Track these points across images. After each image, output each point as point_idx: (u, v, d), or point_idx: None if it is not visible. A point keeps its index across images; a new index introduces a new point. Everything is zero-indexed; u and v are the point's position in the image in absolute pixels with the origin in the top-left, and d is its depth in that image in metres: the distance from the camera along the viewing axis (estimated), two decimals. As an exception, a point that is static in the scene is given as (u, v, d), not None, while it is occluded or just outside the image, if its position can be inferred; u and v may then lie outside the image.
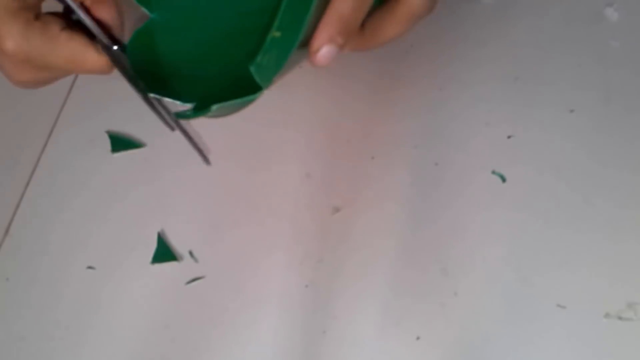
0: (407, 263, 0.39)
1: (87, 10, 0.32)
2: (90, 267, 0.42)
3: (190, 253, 0.41)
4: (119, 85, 0.48)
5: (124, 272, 0.41)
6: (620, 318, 0.36)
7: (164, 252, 0.42)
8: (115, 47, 0.33)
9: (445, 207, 0.41)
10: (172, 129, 0.35)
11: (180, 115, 0.33)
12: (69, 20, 0.33)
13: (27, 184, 0.45)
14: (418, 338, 0.37)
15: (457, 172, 0.42)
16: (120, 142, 0.46)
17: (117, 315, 0.40)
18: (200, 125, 0.46)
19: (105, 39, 0.33)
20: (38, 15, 0.32)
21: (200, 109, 0.31)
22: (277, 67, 0.29)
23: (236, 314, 0.39)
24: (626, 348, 0.35)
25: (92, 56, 0.32)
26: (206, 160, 0.36)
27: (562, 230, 0.39)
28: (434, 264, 0.39)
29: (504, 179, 0.42)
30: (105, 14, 0.33)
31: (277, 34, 0.28)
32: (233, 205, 0.43)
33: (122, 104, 0.47)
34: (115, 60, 0.33)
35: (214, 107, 0.29)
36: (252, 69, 0.27)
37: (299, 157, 0.44)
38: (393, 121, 0.45)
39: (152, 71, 0.34)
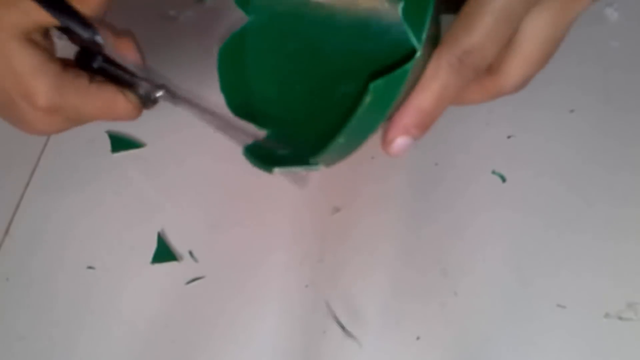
0: (407, 263, 0.39)
1: (107, 57, 0.32)
2: (90, 267, 0.42)
3: (190, 253, 0.41)
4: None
5: (124, 272, 0.41)
6: (620, 318, 0.36)
7: (164, 252, 0.42)
8: (159, 94, 0.33)
9: (445, 208, 0.41)
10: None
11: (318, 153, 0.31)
12: (88, 68, 0.32)
13: (27, 184, 0.45)
14: (418, 338, 0.37)
15: (457, 172, 0.42)
16: (120, 142, 0.46)
17: (117, 316, 0.40)
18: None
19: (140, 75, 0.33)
20: (65, 67, 0.32)
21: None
22: (339, 158, 0.30)
23: (236, 314, 0.39)
24: (626, 348, 0.35)
25: (123, 104, 0.32)
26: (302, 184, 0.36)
27: (562, 230, 0.39)
28: (434, 264, 0.39)
29: (504, 179, 0.42)
30: (130, 54, 0.33)
31: (342, 140, 0.27)
32: (233, 205, 0.43)
33: (122, 104, 0.47)
34: (148, 97, 0.33)
35: (370, 86, 0.26)
36: (312, 161, 0.27)
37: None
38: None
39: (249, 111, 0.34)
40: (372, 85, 0.25)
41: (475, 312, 0.37)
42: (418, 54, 0.25)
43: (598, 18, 0.47)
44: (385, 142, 0.29)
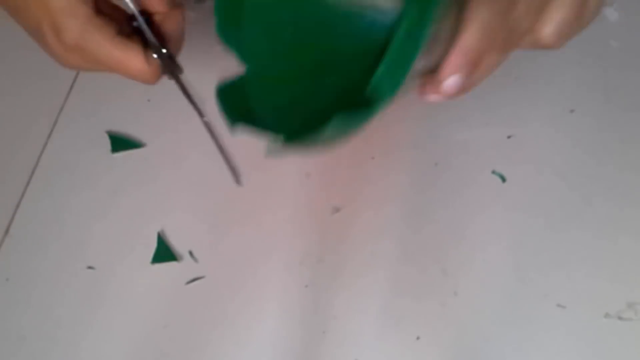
0: (407, 263, 0.39)
1: (151, 21, 0.34)
2: (90, 267, 0.42)
3: (190, 253, 0.41)
4: (119, 86, 0.48)
5: (124, 272, 0.41)
6: (620, 318, 0.36)
7: (164, 252, 0.42)
8: (164, 50, 0.34)
9: (445, 207, 0.41)
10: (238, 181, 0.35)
11: (274, 150, 0.31)
12: (129, 25, 0.34)
13: (27, 184, 0.45)
14: (418, 338, 0.37)
15: (457, 172, 0.42)
16: (120, 142, 0.46)
17: (117, 315, 0.40)
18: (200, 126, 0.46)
19: (161, 50, 0.34)
20: (98, 12, 0.33)
21: (304, 130, 0.28)
22: (397, 85, 0.27)
23: (236, 314, 0.39)
24: (626, 348, 0.35)
25: (139, 64, 0.33)
26: (238, 180, 0.36)
27: (562, 230, 0.39)
28: (434, 264, 0.39)
29: (504, 179, 0.42)
30: (171, 26, 0.34)
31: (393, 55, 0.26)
32: (233, 205, 0.43)
33: (122, 104, 0.47)
34: (171, 72, 0.34)
35: (330, 126, 0.26)
36: (375, 81, 0.26)
37: (299, 158, 0.44)
38: (393, 121, 0.45)
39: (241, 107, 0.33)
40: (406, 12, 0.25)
41: (475, 312, 0.37)
42: None
43: (598, 18, 0.47)
44: (436, 84, 0.29)
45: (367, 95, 0.26)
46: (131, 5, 0.33)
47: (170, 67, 0.35)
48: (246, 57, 0.34)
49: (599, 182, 0.40)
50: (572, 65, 0.45)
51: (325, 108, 0.31)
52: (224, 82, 0.33)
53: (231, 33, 0.33)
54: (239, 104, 0.33)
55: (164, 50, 0.34)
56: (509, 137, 0.43)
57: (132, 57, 0.34)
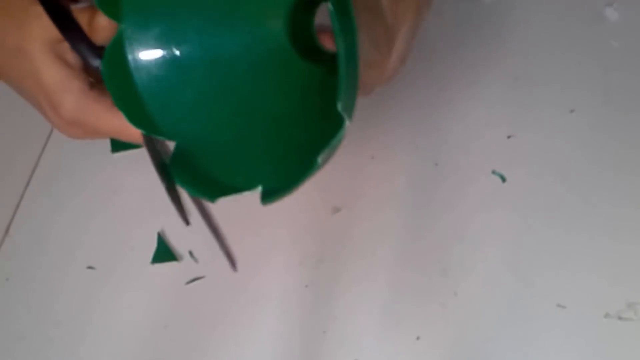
0: (407, 263, 0.39)
1: None
2: (90, 267, 0.42)
3: (190, 253, 0.41)
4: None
5: (124, 272, 0.41)
6: (620, 318, 0.36)
7: (164, 252, 0.42)
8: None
9: (445, 208, 0.41)
10: (188, 223, 0.35)
11: (269, 197, 0.31)
12: None
13: (27, 184, 0.45)
14: (418, 338, 0.37)
15: (457, 172, 0.42)
16: (120, 142, 0.46)
17: (117, 315, 0.40)
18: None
19: None
20: (92, 85, 0.33)
21: (292, 177, 0.30)
22: (353, 98, 0.29)
23: (236, 314, 0.39)
24: (626, 348, 0.35)
25: (139, 131, 0.34)
26: (233, 266, 0.36)
27: (562, 230, 0.39)
28: (434, 264, 0.39)
29: (504, 179, 0.42)
30: None
31: (341, 46, 0.27)
32: (233, 205, 0.43)
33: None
34: (149, 143, 0.34)
35: (319, 159, 0.28)
36: (339, 108, 0.27)
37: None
38: (393, 121, 0.45)
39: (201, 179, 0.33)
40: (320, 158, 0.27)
41: (475, 312, 0.37)
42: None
43: (598, 18, 0.47)
44: None
45: (335, 121, 0.27)
46: None
47: (150, 140, 0.34)
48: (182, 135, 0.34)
49: (599, 182, 0.40)
50: (572, 65, 0.45)
51: (283, 152, 0.32)
52: (176, 166, 0.33)
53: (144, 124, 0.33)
54: (202, 180, 0.33)
55: None
56: (509, 137, 0.43)
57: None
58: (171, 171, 0.33)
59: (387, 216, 0.41)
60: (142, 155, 0.45)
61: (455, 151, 0.43)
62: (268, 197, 0.30)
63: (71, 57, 0.33)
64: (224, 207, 0.43)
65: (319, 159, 0.27)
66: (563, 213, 0.40)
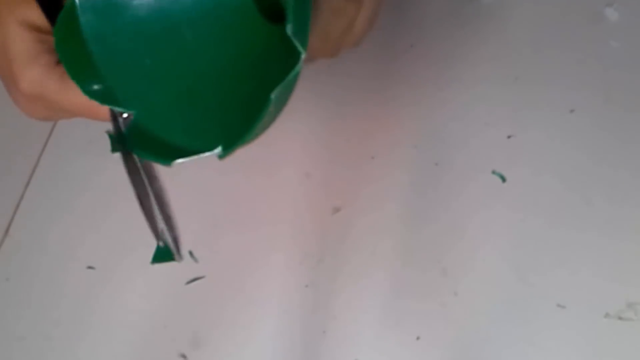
0: (407, 263, 0.39)
1: None
2: (90, 267, 0.42)
3: (190, 253, 0.41)
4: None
5: (124, 272, 0.41)
6: (620, 318, 0.36)
7: (164, 252, 0.42)
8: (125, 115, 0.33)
9: (445, 207, 0.41)
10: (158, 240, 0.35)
11: (225, 151, 0.30)
12: None
13: (27, 184, 0.45)
14: (418, 338, 0.37)
15: (457, 172, 0.42)
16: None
17: (117, 315, 0.40)
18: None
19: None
20: (59, 62, 0.31)
21: (243, 124, 0.29)
22: (306, 27, 0.28)
23: (236, 314, 0.39)
24: (626, 348, 0.35)
25: (106, 107, 0.32)
26: (178, 253, 0.35)
27: (562, 230, 0.39)
28: (434, 264, 0.39)
29: (504, 179, 0.42)
30: None
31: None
32: (233, 205, 0.43)
33: (122, 104, 0.47)
34: (114, 120, 0.33)
35: (272, 95, 0.27)
36: (289, 31, 0.26)
37: (299, 157, 0.44)
38: (393, 121, 0.45)
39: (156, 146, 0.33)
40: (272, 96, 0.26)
41: (475, 312, 0.37)
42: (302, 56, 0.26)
43: (598, 18, 0.47)
44: None
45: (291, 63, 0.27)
46: None
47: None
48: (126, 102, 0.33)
49: (599, 182, 0.40)
50: (572, 65, 0.45)
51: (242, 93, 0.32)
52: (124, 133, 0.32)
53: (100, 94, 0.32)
54: (152, 143, 0.33)
55: None
56: (509, 137, 0.43)
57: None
58: (128, 140, 0.32)
59: (387, 216, 0.41)
60: (142, 155, 0.45)
61: (455, 151, 0.43)
62: (224, 151, 0.30)
63: (44, 24, 0.31)
64: (224, 207, 0.43)
65: (272, 95, 0.26)
66: (563, 213, 0.40)
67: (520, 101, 0.44)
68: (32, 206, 0.44)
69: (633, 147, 0.42)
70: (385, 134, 0.44)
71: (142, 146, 0.32)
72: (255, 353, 0.38)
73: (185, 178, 0.44)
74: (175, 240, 0.34)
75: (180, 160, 0.31)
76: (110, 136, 0.45)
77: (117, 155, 0.46)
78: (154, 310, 0.40)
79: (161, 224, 0.34)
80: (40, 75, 0.31)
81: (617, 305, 0.36)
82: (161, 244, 0.34)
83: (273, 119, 0.29)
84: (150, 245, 0.42)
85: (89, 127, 0.47)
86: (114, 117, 0.32)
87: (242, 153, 0.45)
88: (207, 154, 0.30)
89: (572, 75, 0.45)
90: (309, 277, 0.40)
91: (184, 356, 0.38)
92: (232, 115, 0.33)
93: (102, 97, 0.31)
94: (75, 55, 0.31)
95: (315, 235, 0.41)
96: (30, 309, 0.41)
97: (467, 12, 0.49)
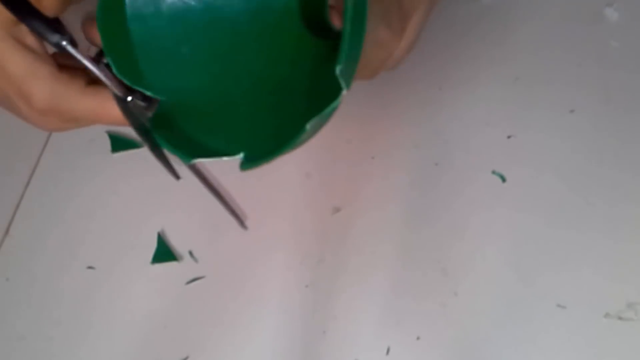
0: (407, 263, 0.39)
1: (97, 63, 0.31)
2: (90, 267, 0.42)
3: (190, 253, 0.41)
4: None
5: (124, 272, 0.41)
6: (620, 318, 0.36)
7: (164, 252, 0.42)
8: (129, 98, 0.32)
9: (445, 207, 0.41)
10: (178, 177, 0.34)
11: (249, 163, 0.30)
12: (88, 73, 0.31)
13: (27, 184, 0.45)
14: (418, 338, 0.37)
15: (457, 172, 0.42)
16: (120, 142, 0.46)
17: (117, 315, 0.40)
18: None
19: (118, 90, 0.31)
20: (61, 68, 0.31)
21: (280, 143, 0.28)
22: (354, 65, 0.27)
23: (236, 314, 0.39)
24: (626, 348, 0.35)
25: (118, 109, 0.31)
26: (242, 224, 0.36)
27: (562, 230, 0.39)
28: (434, 264, 0.39)
29: (504, 179, 0.42)
30: None
31: (348, 27, 0.26)
32: (233, 205, 0.43)
33: (122, 104, 0.47)
34: (127, 112, 0.32)
35: (308, 126, 0.26)
36: (338, 72, 0.25)
37: (299, 157, 0.44)
38: (393, 121, 0.45)
39: (179, 140, 0.32)
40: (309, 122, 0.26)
41: (475, 312, 0.37)
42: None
43: (598, 18, 0.47)
44: None
45: (330, 89, 0.26)
46: (82, 60, 0.30)
47: (129, 108, 0.32)
48: (168, 91, 0.32)
49: (599, 182, 0.40)
50: (572, 65, 0.45)
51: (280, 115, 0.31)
52: (154, 118, 0.31)
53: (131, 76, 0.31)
54: (175, 135, 0.32)
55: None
56: (509, 137, 0.43)
57: (110, 104, 0.31)
58: (151, 127, 0.31)
59: (387, 216, 0.41)
60: (142, 155, 0.45)
61: (455, 151, 0.43)
62: (248, 163, 0.29)
63: (31, 40, 0.30)
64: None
65: (308, 126, 0.26)
66: (563, 213, 0.40)
67: (520, 101, 0.44)
68: (32, 206, 0.44)
69: (633, 147, 0.42)
70: (385, 134, 0.44)
71: (165, 136, 0.31)
72: (255, 353, 0.38)
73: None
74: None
75: (199, 160, 0.31)
76: (111, 136, 0.45)
77: (117, 155, 0.46)
78: (154, 310, 0.40)
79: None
80: (50, 88, 0.30)
81: (617, 305, 0.36)
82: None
83: (303, 143, 0.29)
84: (150, 245, 0.42)
85: (89, 127, 0.47)
86: (126, 109, 0.31)
87: (242, 153, 0.45)
88: (228, 157, 0.30)
89: (572, 75, 0.45)
90: (309, 277, 0.40)
91: (184, 356, 0.38)
92: (259, 122, 0.32)
93: (132, 77, 0.31)
94: (114, 33, 0.31)
95: (315, 235, 0.41)
96: (30, 309, 0.41)
97: (468, 12, 0.49)
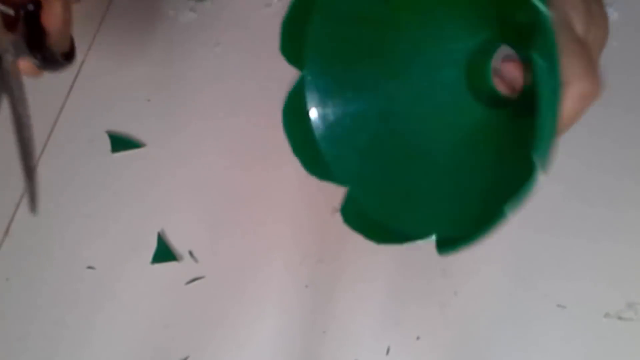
0: (407, 263, 0.39)
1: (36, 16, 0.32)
2: (90, 267, 0.42)
3: (190, 253, 0.41)
4: (119, 86, 0.48)
5: (124, 272, 0.41)
6: (620, 318, 0.36)
7: (164, 252, 0.42)
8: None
9: (445, 207, 0.41)
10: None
11: (447, 247, 0.30)
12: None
13: (27, 184, 0.45)
14: (418, 338, 0.37)
15: (457, 172, 0.42)
16: (120, 142, 0.46)
17: (117, 315, 0.40)
18: (200, 126, 0.46)
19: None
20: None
21: (481, 223, 0.28)
22: (550, 148, 0.27)
23: (236, 314, 0.39)
24: (626, 348, 0.35)
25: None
26: (33, 209, 0.35)
27: (562, 231, 0.39)
28: (434, 264, 0.39)
29: (504, 179, 0.42)
30: (49, 21, 0.32)
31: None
32: (233, 205, 0.43)
33: (122, 104, 0.47)
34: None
35: (506, 210, 0.26)
36: (534, 157, 0.26)
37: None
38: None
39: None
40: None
41: (475, 312, 0.37)
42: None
43: (598, 18, 0.47)
44: None
45: (528, 169, 0.26)
46: None
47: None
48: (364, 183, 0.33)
49: (598, 183, 0.40)
50: (572, 65, 0.45)
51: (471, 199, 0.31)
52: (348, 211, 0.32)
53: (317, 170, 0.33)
54: (363, 219, 0.32)
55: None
56: (509, 137, 0.43)
57: None
58: (343, 216, 0.32)
59: (387, 216, 0.41)
60: (142, 155, 0.45)
61: (455, 151, 0.43)
62: (445, 247, 0.29)
63: None
64: (224, 207, 0.43)
65: (506, 209, 0.26)
66: (563, 213, 0.40)
67: (520, 101, 0.44)
68: (32, 206, 0.44)
69: (633, 148, 0.42)
70: (385, 134, 0.44)
71: (354, 222, 0.32)
72: (255, 353, 0.38)
73: (185, 178, 0.44)
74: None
75: (390, 244, 0.30)
76: (111, 136, 0.45)
77: (117, 155, 0.46)
78: (154, 310, 0.40)
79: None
80: None
81: (617, 305, 0.36)
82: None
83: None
84: (151, 245, 0.42)
85: (89, 127, 0.47)
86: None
87: (242, 153, 0.45)
88: (421, 241, 0.30)
89: (572, 75, 0.45)
90: (309, 277, 0.40)
91: (184, 356, 0.38)
92: (443, 201, 0.32)
93: (322, 173, 0.33)
94: (299, 133, 0.33)
95: (315, 235, 0.41)
96: (30, 309, 0.41)
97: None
